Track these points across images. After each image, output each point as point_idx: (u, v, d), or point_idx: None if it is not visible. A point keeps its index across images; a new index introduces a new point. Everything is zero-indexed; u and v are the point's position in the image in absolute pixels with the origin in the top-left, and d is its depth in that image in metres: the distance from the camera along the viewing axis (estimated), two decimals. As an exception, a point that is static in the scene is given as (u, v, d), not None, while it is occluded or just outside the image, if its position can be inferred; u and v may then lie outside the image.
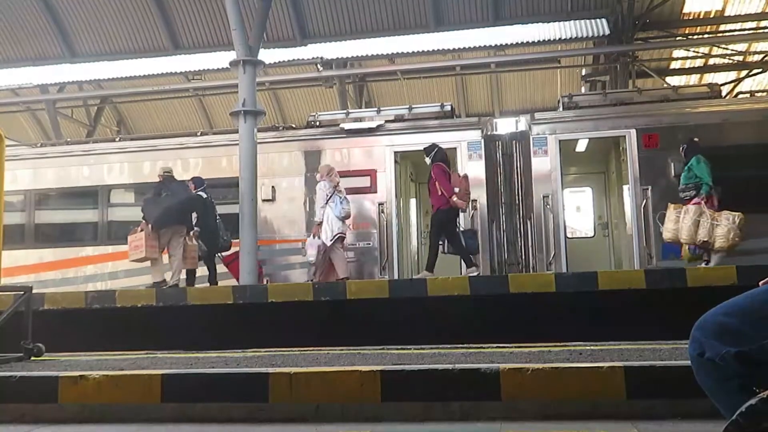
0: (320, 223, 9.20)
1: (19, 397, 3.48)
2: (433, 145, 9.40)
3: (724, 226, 8.23)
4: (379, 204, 10.52)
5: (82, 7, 15.91)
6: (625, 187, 10.36)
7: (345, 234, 9.42)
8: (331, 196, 9.27)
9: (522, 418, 3.04)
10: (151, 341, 5.91)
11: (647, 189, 9.87)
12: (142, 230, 9.40)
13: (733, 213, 8.31)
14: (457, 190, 8.94)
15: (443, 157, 9.23)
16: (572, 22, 14.28)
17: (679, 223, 8.54)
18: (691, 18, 14.72)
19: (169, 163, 11.38)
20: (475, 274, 8.80)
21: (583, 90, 16.24)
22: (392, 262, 10.37)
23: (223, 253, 10.05)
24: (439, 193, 8.91)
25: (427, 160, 9.27)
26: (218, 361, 4.06)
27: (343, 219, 9.27)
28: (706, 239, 8.31)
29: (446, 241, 9.07)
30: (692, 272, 6.92)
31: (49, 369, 3.86)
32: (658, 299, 6.60)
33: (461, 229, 9.36)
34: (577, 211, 12.61)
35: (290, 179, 10.96)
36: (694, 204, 8.53)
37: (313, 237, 9.27)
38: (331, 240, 9.13)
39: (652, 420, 2.92)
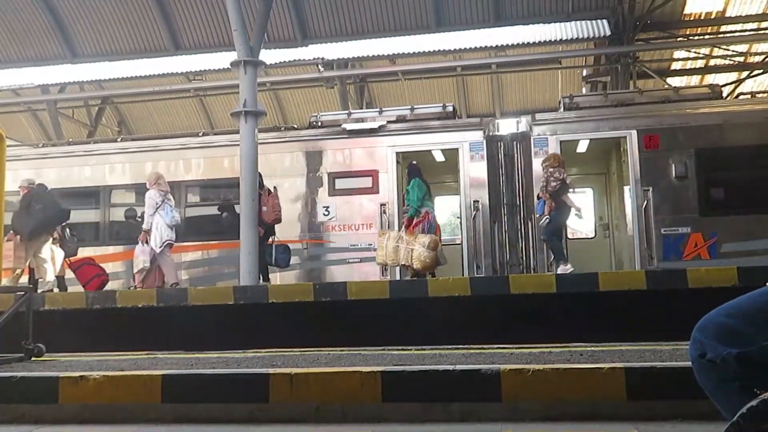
0: (148, 231, 9.49)
1: (19, 397, 3.48)
2: None
3: (417, 249, 8.83)
4: (381, 204, 10.52)
5: (84, 7, 15.92)
6: (626, 188, 10.36)
7: (173, 241, 9.69)
8: (161, 205, 9.55)
9: (522, 419, 3.04)
10: (151, 341, 5.91)
11: (648, 190, 9.86)
12: (9, 240, 9.20)
13: (427, 236, 8.92)
14: (265, 209, 9.54)
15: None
16: (573, 22, 14.28)
17: (384, 248, 9.18)
18: (692, 19, 14.71)
19: (171, 163, 11.42)
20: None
21: (584, 91, 16.24)
22: (393, 262, 10.36)
23: (70, 259, 10.20)
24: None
25: None
26: (218, 362, 4.06)
27: (172, 227, 9.58)
28: (404, 263, 8.96)
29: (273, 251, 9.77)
30: (693, 273, 6.91)
31: (50, 369, 3.86)
32: (659, 300, 6.60)
33: (275, 242, 9.86)
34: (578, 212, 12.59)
35: (292, 180, 10.96)
36: (405, 225, 9.24)
37: (142, 244, 9.57)
38: (160, 247, 9.43)
39: (653, 421, 2.91)
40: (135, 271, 9.70)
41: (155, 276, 9.63)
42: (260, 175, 9.74)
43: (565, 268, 8.81)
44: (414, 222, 9.16)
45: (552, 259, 9.53)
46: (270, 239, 9.81)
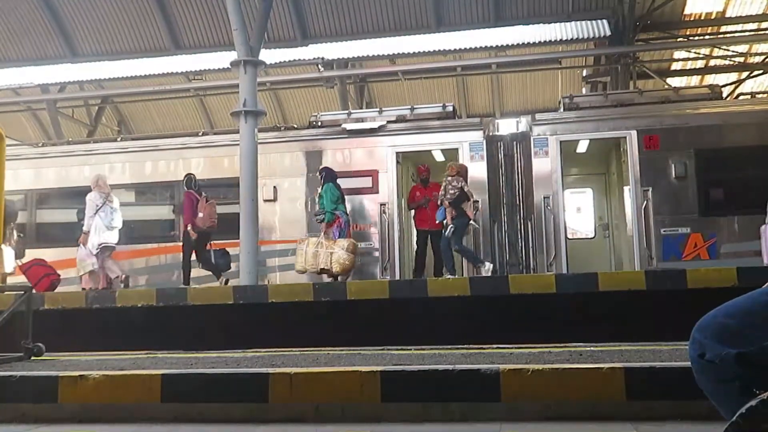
0: (88, 232, 9.53)
1: (19, 396, 3.48)
2: (186, 174, 10.30)
3: (338, 252, 9.16)
4: (380, 204, 10.52)
5: (84, 7, 15.92)
6: (626, 188, 10.35)
7: (113, 244, 9.73)
8: (101, 206, 9.59)
9: (522, 419, 3.04)
10: (151, 341, 5.91)
11: (648, 190, 9.86)
12: None
13: (346, 240, 9.29)
14: (201, 215, 9.81)
15: (191, 184, 10.10)
16: (573, 23, 14.28)
17: (304, 254, 9.38)
18: (692, 19, 14.72)
19: (171, 163, 11.42)
20: (224, 279, 9.80)
21: (583, 91, 16.23)
22: (393, 262, 10.37)
23: (20, 261, 10.16)
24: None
25: (184, 188, 10.11)
26: (218, 361, 4.06)
27: (112, 229, 9.64)
28: (324, 267, 9.20)
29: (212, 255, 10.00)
30: (692, 273, 6.91)
31: (49, 369, 3.86)
32: (659, 300, 6.60)
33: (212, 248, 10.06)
34: (578, 212, 12.61)
35: (292, 180, 10.96)
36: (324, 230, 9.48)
37: (83, 246, 9.61)
38: (97, 249, 9.48)
39: (653, 421, 2.92)
40: (81, 273, 9.70)
41: (100, 277, 9.69)
42: (194, 178, 10.09)
43: (486, 269, 9.16)
44: (325, 226, 9.44)
45: (475, 265, 9.69)
46: (206, 245, 9.99)
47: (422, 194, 10.36)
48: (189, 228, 9.83)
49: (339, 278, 9.16)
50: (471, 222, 9.51)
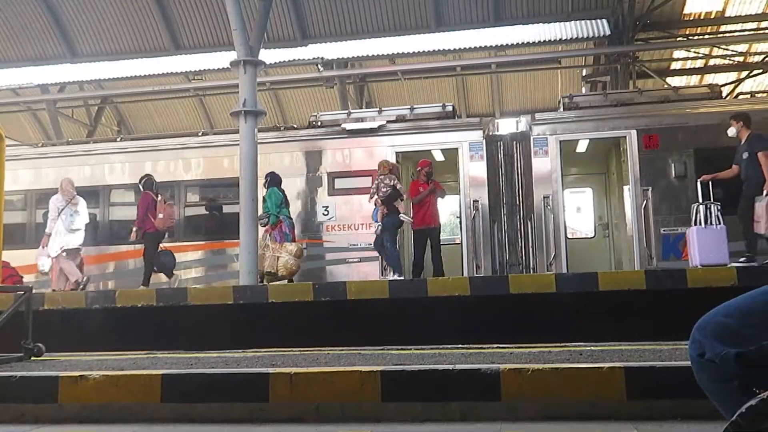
0: (49, 235, 9.62)
1: (19, 397, 3.48)
2: (145, 175, 10.59)
3: (284, 257, 9.32)
4: (380, 204, 10.50)
5: (83, 7, 15.92)
6: (626, 188, 10.36)
7: (75, 246, 9.78)
8: (63, 209, 9.66)
9: (522, 418, 3.04)
10: (151, 341, 5.91)
11: (647, 190, 9.87)
12: None
13: (293, 245, 9.46)
14: (161, 215, 10.02)
15: (151, 186, 10.33)
16: (573, 22, 14.29)
17: None
18: (691, 19, 14.72)
19: (171, 163, 11.42)
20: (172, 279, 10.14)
21: (583, 90, 16.24)
22: (393, 262, 10.35)
23: None
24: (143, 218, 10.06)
25: (141, 188, 10.32)
26: (218, 361, 4.06)
27: (73, 231, 9.68)
28: (269, 270, 9.31)
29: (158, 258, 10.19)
30: (692, 273, 6.91)
31: (49, 369, 3.86)
32: (659, 300, 6.59)
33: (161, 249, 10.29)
34: (578, 212, 12.61)
35: (291, 179, 10.95)
36: (265, 233, 9.58)
37: (42, 248, 9.74)
38: (56, 252, 9.54)
39: (652, 421, 2.91)
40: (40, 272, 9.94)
41: (57, 279, 9.76)
42: (153, 181, 10.28)
43: (394, 277, 9.26)
44: (267, 229, 9.56)
45: (385, 266, 9.84)
46: (158, 245, 10.16)
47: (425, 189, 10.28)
48: (136, 228, 10.08)
49: (287, 281, 9.36)
50: (402, 218, 9.57)
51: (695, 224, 8.32)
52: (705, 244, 8.08)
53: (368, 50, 14.93)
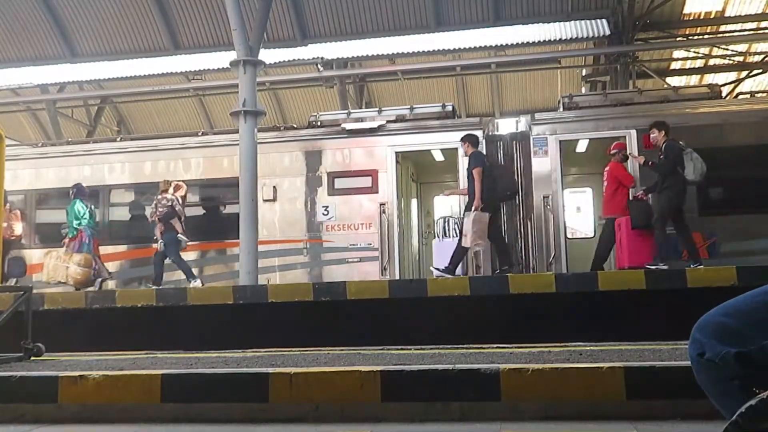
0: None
1: (19, 397, 3.48)
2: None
3: (72, 267, 9.55)
4: (380, 204, 10.51)
5: (83, 7, 15.91)
6: (625, 188, 10.32)
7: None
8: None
9: (522, 418, 3.04)
10: (151, 341, 5.91)
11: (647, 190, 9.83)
12: None
13: (80, 255, 9.55)
14: (5, 224, 10.13)
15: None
16: (572, 22, 14.28)
17: (47, 267, 9.76)
18: (691, 18, 14.72)
19: (171, 163, 11.42)
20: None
21: (583, 90, 16.24)
22: (393, 262, 10.36)
23: None
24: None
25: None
26: (218, 361, 4.06)
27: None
28: (61, 279, 9.58)
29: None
30: (692, 273, 6.92)
31: (49, 369, 3.86)
32: (658, 300, 6.60)
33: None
34: (578, 212, 12.60)
35: (291, 179, 10.96)
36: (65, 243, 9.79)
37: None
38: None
39: (652, 420, 2.91)
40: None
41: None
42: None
43: (196, 284, 9.55)
44: (68, 240, 9.75)
45: (184, 277, 9.97)
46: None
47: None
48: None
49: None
50: (179, 237, 9.85)
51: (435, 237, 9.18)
52: (440, 254, 9.50)
53: (368, 50, 14.93)
